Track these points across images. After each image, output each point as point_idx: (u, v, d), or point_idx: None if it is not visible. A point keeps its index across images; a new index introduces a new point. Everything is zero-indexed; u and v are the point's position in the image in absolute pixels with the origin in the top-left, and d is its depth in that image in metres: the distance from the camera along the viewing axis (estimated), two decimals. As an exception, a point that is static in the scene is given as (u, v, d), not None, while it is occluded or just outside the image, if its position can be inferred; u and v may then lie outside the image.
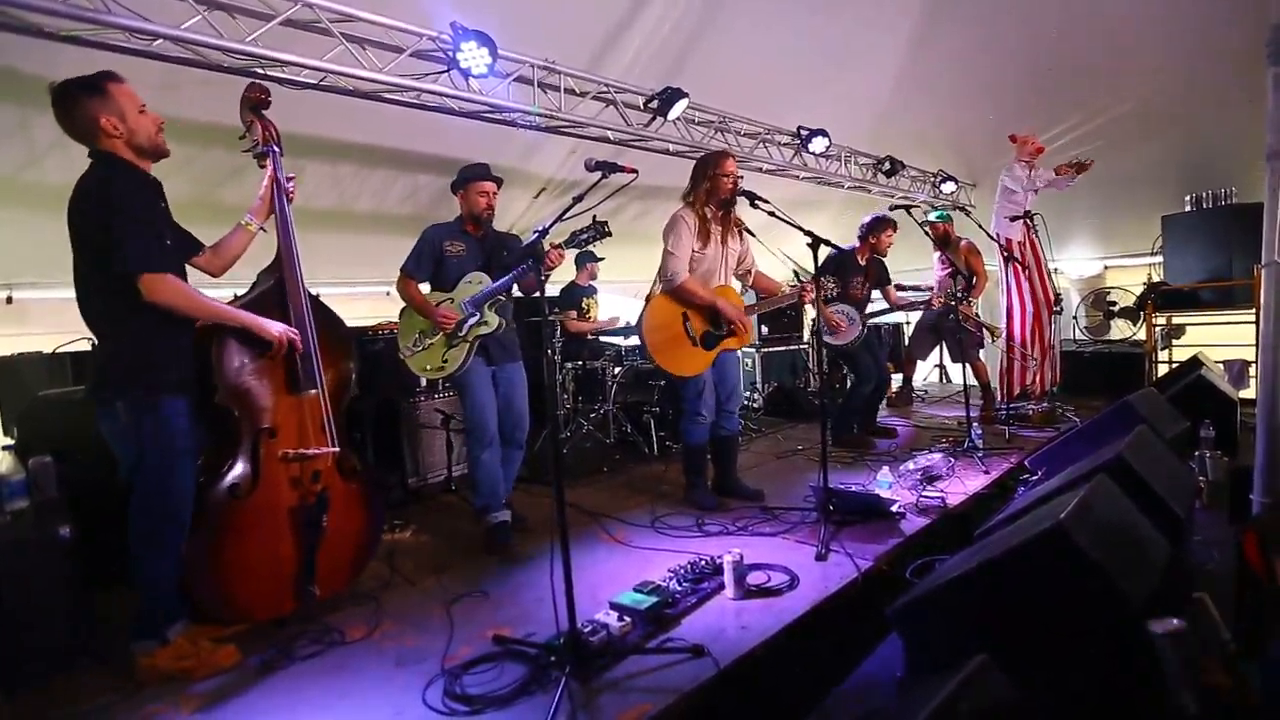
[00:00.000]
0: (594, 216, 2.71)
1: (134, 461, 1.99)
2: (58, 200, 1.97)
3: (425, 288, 3.15)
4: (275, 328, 2.18)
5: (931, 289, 5.34)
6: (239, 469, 2.18)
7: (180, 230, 2.25)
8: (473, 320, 3.01)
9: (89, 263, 1.96)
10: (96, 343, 2.04)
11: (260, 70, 2.97)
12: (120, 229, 1.89)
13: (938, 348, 6.29)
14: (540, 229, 2.35)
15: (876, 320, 5.20)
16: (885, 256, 4.84)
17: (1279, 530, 1.45)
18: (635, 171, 2.33)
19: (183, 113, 3.33)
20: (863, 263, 4.71)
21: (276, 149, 2.33)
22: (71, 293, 2.02)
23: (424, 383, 4.13)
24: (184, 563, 2.06)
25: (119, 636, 2.09)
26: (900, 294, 5.10)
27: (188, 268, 2.27)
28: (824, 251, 3.03)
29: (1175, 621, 1.39)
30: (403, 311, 3.15)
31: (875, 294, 4.95)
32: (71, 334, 3.04)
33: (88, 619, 2.20)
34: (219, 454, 2.20)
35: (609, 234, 2.83)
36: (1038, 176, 5.30)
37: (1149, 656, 1.40)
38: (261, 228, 2.34)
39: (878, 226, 4.69)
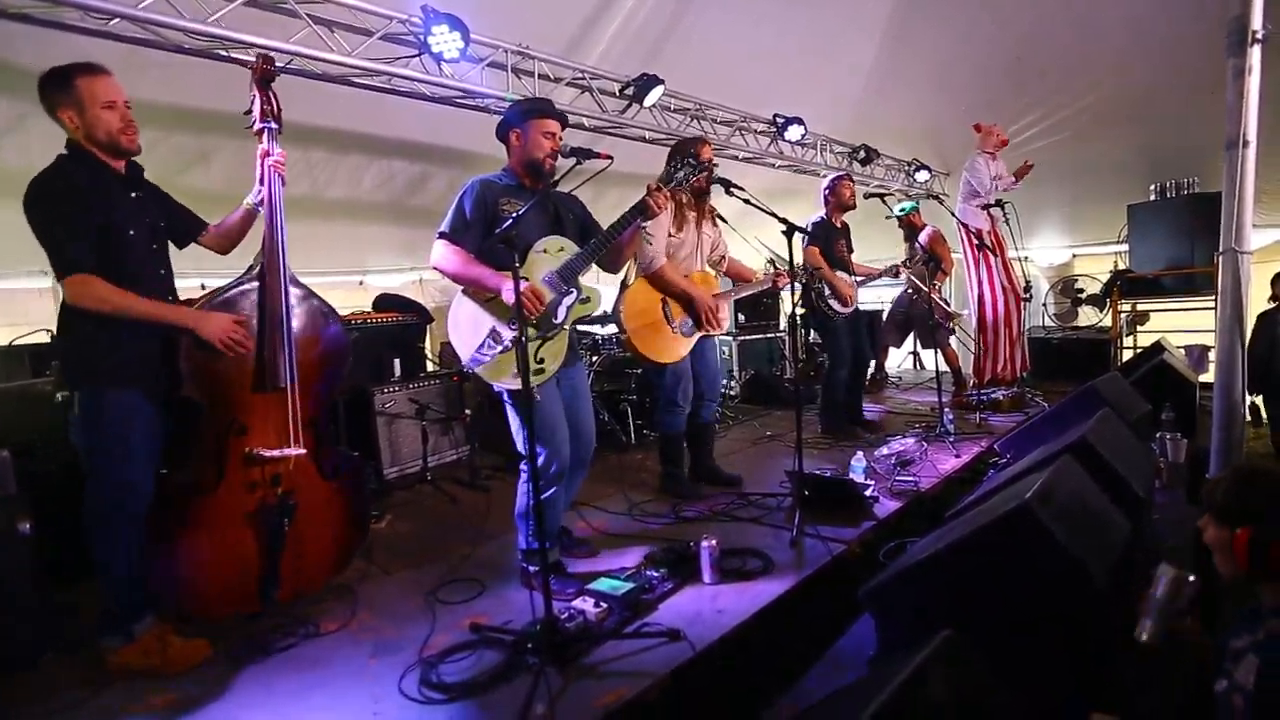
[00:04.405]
0: (690, 152, 2.82)
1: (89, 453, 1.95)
2: (13, 185, 1.90)
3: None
4: (211, 329, 2.01)
5: (895, 266, 5.19)
6: (202, 464, 2.12)
7: (177, 209, 2.21)
8: (570, 300, 2.34)
9: (48, 255, 1.91)
10: (52, 337, 1.99)
11: (224, 52, 2.89)
12: (49, 231, 1.85)
13: (910, 335, 6.38)
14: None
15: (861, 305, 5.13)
16: (852, 207, 4.60)
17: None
18: (610, 158, 2.31)
19: (146, 96, 3.23)
20: (839, 225, 4.57)
21: (273, 125, 2.20)
22: (27, 283, 1.98)
23: (398, 371, 4.09)
24: (145, 557, 2.02)
25: (89, 632, 2.05)
26: (861, 266, 4.94)
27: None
28: (798, 240, 3.02)
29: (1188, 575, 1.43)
30: (455, 305, 2.36)
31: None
32: (29, 326, 2.95)
33: (52, 615, 2.14)
34: (184, 447, 2.15)
35: (708, 168, 2.84)
36: (999, 178, 5.34)
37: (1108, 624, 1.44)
38: (258, 206, 2.26)
39: (835, 181, 4.53)
